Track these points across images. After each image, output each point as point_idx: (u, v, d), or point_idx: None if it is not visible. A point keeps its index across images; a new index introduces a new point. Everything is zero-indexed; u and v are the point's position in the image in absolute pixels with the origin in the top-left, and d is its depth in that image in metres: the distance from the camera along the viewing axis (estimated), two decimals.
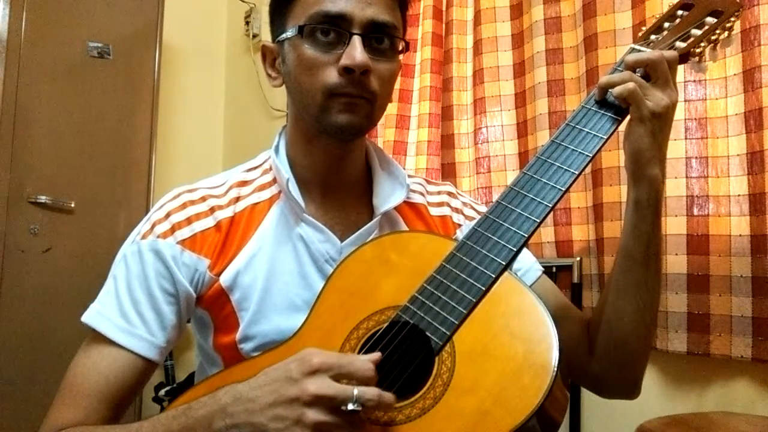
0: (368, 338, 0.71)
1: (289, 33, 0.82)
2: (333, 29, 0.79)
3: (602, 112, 0.77)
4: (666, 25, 0.83)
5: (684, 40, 0.80)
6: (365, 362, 0.62)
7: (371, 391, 0.60)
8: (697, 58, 0.81)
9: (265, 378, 0.63)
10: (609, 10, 1.58)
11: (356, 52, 0.78)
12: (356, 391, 0.59)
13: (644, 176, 0.76)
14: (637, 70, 0.77)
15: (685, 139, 1.43)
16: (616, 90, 0.75)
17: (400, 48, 0.84)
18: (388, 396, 0.62)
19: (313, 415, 0.59)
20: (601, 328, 0.84)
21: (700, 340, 1.38)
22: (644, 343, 0.85)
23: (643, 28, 0.85)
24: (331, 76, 0.79)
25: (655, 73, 0.75)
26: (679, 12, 0.84)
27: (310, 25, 0.80)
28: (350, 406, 0.59)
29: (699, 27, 0.81)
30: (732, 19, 0.81)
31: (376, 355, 0.64)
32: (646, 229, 0.78)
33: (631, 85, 0.74)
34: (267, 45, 0.88)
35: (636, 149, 0.76)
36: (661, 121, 0.74)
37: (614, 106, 0.77)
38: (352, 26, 0.79)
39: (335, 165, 0.88)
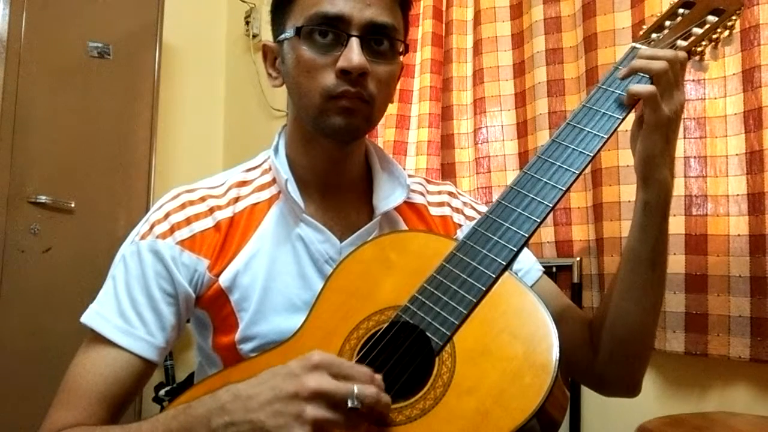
0: (368, 338, 0.71)
1: (288, 33, 0.82)
2: (331, 31, 0.79)
3: (603, 111, 0.76)
4: (667, 23, 0.83)
5: (685, 39, 0.80)
6: (365, 368, 0.62)
7: (371, 390, 0.60)
8: (698, 57, 0.81)
9: (264, 376, 0.63)
10: (609, 9, 1.58)
11: (353, 54, 0.77)
12: (356, 389, 0.59)
13: (655, 179, 0.76)
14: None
15: (684, 138, 1.43)
16: (636, 89, 0.74)
17: (401, 50, 0.84)
18: (386, 397, 0.61)
19: (313, 411, 0.59)
20: (605, 328, 0.84)
21: (698, 341, 1.38)
22: (647, 343, 0.86)
23: (644, 27, 0.85)
24: (329, 78, 0.79)
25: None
26: (680, 10, 0.84)
27: (308, 26, 0.79)
28: (350, 404, 0.59)
29: (700, 25, 0.81)
30: (733, 17, 0.81)
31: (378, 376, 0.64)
32: (654, 230, 0.78)
33: (651, 87, 0.73)
34: (268, 44, 0.88)
35: (649, 154, 0.75)
36: (673, 123, 0.74)
37: (616, 105, 0.77)
38: (350, 28, 0.78)
39: (335, 165, 0.88)
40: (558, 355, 0.63)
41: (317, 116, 0.81)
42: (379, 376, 0.63)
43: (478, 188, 1.84)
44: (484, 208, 0.96)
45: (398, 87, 1.95)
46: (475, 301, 0.68)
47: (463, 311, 0.68)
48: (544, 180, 0.74)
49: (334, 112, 0.80)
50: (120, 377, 0.78)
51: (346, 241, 0.85)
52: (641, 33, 0.84)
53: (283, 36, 0.84)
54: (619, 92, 0.77)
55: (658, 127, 0.74)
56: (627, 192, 1.51)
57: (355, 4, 0.79)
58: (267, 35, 0.93)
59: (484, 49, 1.85)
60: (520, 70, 1.81)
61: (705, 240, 1.39)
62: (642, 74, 0.76)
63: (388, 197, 0.89)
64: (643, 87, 0.74)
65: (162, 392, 2.27)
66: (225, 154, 2.86)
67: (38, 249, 2.08)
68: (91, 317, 0.81)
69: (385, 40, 0.81)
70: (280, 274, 0.84)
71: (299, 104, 0.83)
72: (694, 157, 1.42)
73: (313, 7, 0.79)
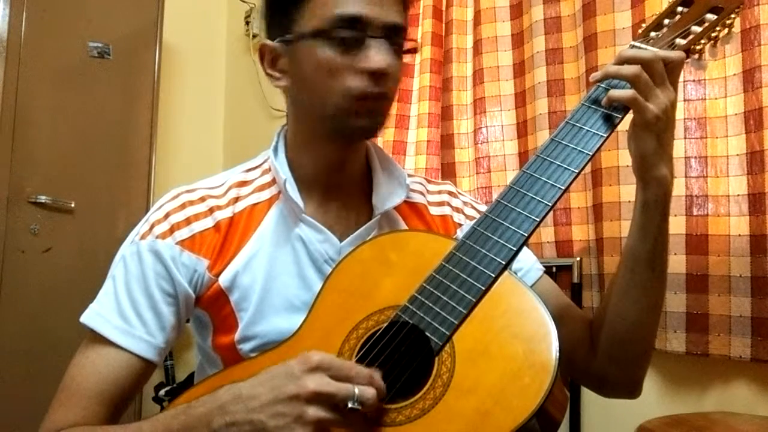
0: (368, 338, 0.71)
1: (301, 34, 0.81)
2: (354, 32, 0.79)
3: (602, 109, 0.76)
4: (666, 22, 0.83)
5: (684, 37, 0.80)
6: (365, 369, 0.62)
7: (371, 391, 0.60)
8: (697, 56, 0.81)
9: (265, 376, 0.63)
10: (609, 9, 1.58)
11: (381, 56, 0.78)
12: (357, 390, 0.59)
13: (652, 178, 0.76)
14: None
15: (685, 138, 1.43)
16: (616, 94, 0.74)
17: (409, 48, 0.85)
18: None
19: (314, 412, 0.59)
20: (604, 328, 0.83)
21: (699, 341, 1.38)
22: (647, 343, 0.85)
23: (644, 25, 0.85)
24: (354, 79, 0.79)
25: (650, 74, 0.74)
26: (679, 9, 0.83)
27: (332, 28, 0.79)
28: (350, 405, 0.59)
29: (699, 24, 0.80)
30: (732, 15, 0.80)
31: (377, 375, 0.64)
32: (653, 229, 0.78)
33: (630, 91, 0.73)
34: (267, 44, 0.86)
35: (642, 153, 0.75)
36: (662, 122, 0.74)
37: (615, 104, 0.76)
38: (370, 29, 0.79)
39: (338, 165, 0.88)
40: (558, 354, 0.63)
41: (340, 117, 0.81)
42: (378, 375, 0.63)
43: (478, 188, 1.84)
44: (484, 208, 0.96)
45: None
46: (474, 300, 0.68)
47: (463, 311, 0.68)
48: (543, 179, 0.74)
49: (359, 114, 0.80)
50: (119, 377, 0.78)
51: (346, 240, 0.85)
52: (640, 31, 0.84)
53: (291, 36, 0.82)
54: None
55: (646, 127, 0.74)
56: (627, 192, 1.51)
57: (373, 6, 0.79)
58: None
59: (484, 49, 1.85)
60: (520, 70, 1.81)
61: (706, 240, 1.39)
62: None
63: (387, 197, 0.89)
64: (622, 92, 0.74)
65: (162, 392, 2.27)
66: (225, 154, 2.86)
67: (38, 249, 2.08)
68: (90, 317, 0.81)
69: (399, 41, 0.82)
70: (280, 274, 0.84)
71: (315, 104, 0.82)
72: (695, 157, 1.42)
73: (333, 8, 0.79)
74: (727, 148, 1.39)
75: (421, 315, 0.70)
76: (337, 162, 0.87)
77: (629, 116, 0.77)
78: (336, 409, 0.60)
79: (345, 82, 0.79)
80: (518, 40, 1.82)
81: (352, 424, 0.61)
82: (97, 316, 0.81)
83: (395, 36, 0.81)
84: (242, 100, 2.78)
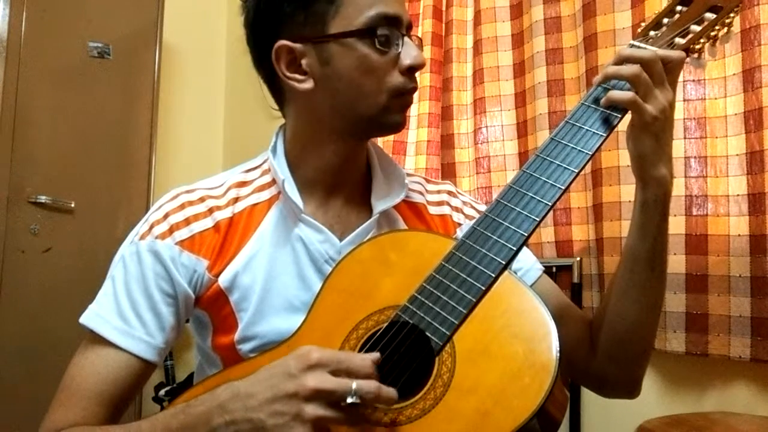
0: (368, 338, 0.71)
1: (342, 32, 0.80)
2: (393, 31, 0.81)
3: (602, 109, 0.76)
4: (665, 21, 0.83)
5: (683, 36, 0.80)
6: (364, 359, 0.62)
7: (370, 385, 0.60)
8: (696, 55, 0.81)
9: (263, 374, 0.63)
10: (609, 9, 1.58)
11: (418, 51, 0.81)
12: (354, 384, 0.59)
13: (651, 177, 0.76)
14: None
15: (684, 138, 1.43)
16: (615, 96, 0.74)
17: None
18: (389, 390, 0.61)
19: (312, 410, 0.59)
20: (604, 328, 0.84)
21: (698, 341, 1.38)
22: (646, 343, 0.85)
23: (643, 24, 0.85)
24: (396, 76, 0.81)
25: (650, 74, 0.74)
26: (678, 8, 0.83)
27: (374, 27, 0.79)
28: (349, 400, 0.59)
29: (698, 23, 0.80)
30: (731, 14, 0.80)
31: (375, 354, 0.64)
32: (653, 229, 0.78)
33: (629, 94, 0.73)
34: (286, 44, 0.83)
35: (640, 153, 0.75)
36: (660, 123, 0.74)
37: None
38: (402, 27, 0.81)
39: (341, 165, 0.88)
40: (558, 354, 0.63)
41: (378, 114, 0.82)
42: (377, 356, 0.64)
43: (478, 188, 1.84)
44: (483, 208, 0.96)
45: None
46: (474, 300, 0.68)
47: (463, 311, 0.68)
48: (543, 179, 0.74)
49: (398, 110, 0.83)
50: (119, 378, 0.78)
51: (346, 240, 0.85)
52: (639, 30, 0.84)
53: (320, 36, 0.81)
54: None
55: (644, 128, 0.74)
56: (627, 192, 1.51)
57: (400, 5, 0.82)
58: None
59: (484, 49, 1.85)
60: (520, 70, 1.81)
61: (705, 240, 1.39)
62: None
63: (386, 196, 0.89)
64: (620, 93, 0.74)
65: (162, 392, 2.27)
66: (225, 154, 2.86)
67: (38, 249, 2.08)
68: (90, 318, 0.81)
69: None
70: (280, 274, 0.84)
71: (353, 103, 0.82)
72: (695, 157, 1.42)
73: (373, 8, 0.80)
74: (727, 148, 1.39)
75: (422, 315, 0.70)
76: (340, 162, 0.87)
77: (629, 115, 0.77)
78: (335, 406, 0.60)
79: (388, 79, 0.81)
80: (518, 40, 1.82)
81: (352, 422, 0.61)
82: (96, 316, 0.80)
83: (410, 33, 0.84)
84: (242, 100, 2.78)
